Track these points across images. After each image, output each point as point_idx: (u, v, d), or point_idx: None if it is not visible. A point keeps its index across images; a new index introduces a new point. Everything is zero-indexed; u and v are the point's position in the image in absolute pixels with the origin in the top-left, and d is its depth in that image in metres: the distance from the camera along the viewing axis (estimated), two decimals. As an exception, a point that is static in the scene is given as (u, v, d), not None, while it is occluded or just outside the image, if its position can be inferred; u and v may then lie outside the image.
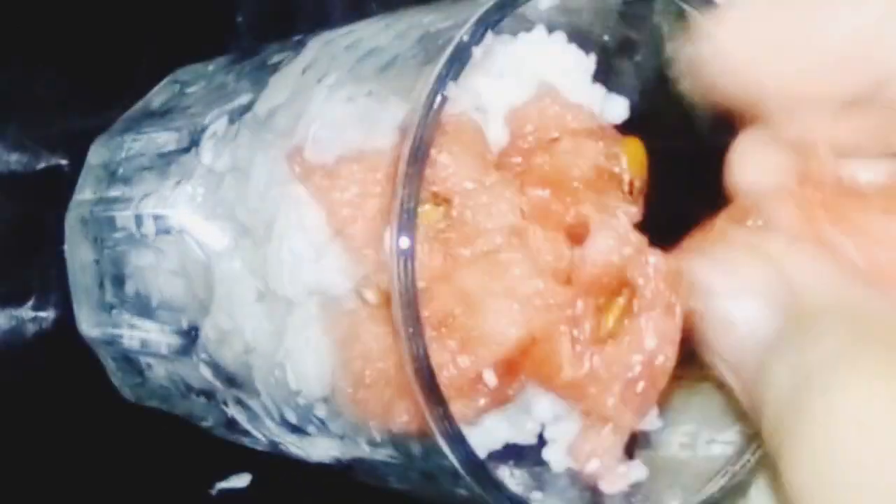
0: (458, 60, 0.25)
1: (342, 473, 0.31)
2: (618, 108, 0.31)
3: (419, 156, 0.25)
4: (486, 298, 0.27)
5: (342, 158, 0.27)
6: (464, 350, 0.27)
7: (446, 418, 0.25)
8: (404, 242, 0.25)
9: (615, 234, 0.29)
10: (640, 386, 0.29)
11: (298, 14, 0.41)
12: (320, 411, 0.29)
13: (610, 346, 0.29)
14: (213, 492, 0.39)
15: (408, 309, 0.25)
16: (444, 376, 0.27)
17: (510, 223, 0.28)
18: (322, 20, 0.40)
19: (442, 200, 0.28)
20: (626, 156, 0.30)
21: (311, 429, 0.30)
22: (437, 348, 0.27)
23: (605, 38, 0.31)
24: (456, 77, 0.25)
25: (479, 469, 0.26)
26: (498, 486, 0.26)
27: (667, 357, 0.30)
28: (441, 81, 0.25)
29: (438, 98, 0.25)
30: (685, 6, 0.29)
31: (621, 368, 0.29)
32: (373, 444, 0.28)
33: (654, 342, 0.29)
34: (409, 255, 0.25)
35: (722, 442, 0.31)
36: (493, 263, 0.28)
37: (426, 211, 0.27)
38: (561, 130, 0.30)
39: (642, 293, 0.29)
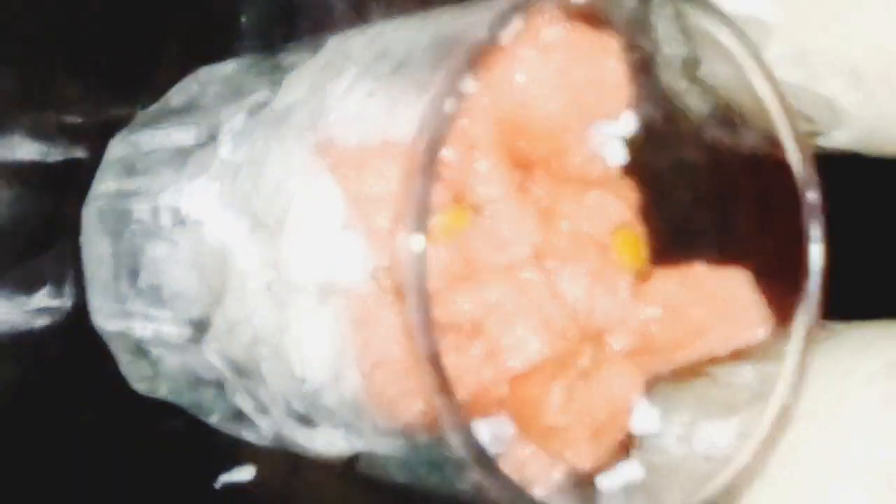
0: (476, 56, 0.26)
1: (345, 466, 0.31)
2: (616, 149, 0.32)
3: (434, 149, 0.26)
4: (514, 311, 0.28)
5: (367, 150, 0.28)
6: (488, 358, 0.28)
7: (454, 407, 0.26)
8: (418, 231, 0.25)
9: (618, 300, 0.30)
10: (605, 436, 0.30)
11: (301, 14, 0.41)
12: (327, 400, 0.29)
13: (580, 388, 0.29)
14: (217, 484, 0.39)
15: (419, 295, 0.25)
16: (466, 382, 0.27)
17: (533, 240, 0.28)
18: (324, 21, 0.41)
19: (471, 208, 0.28)
20: (623, 254, 0.31)
21: (317, 418, 0.30)
22: (460, 353, 0.27)
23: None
24: (472, 72, 0.26)
25: (487, 459, 0.26)
26: (505, 477, 0.27)
27: (630, 405, 0.30)
28: (458, 76, 0.26)
29: (455, 92, 0.26)
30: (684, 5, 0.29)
31: (587, 414, 0.29)
32: (379, 433, 0.29)
33: (620, 388, 0.30)
34: (421, 244, 0.25)
35: (720, 445, 0.31)
36: (516, 279, 0.28)
37: (454, 213, 0.28)
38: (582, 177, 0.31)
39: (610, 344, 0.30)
